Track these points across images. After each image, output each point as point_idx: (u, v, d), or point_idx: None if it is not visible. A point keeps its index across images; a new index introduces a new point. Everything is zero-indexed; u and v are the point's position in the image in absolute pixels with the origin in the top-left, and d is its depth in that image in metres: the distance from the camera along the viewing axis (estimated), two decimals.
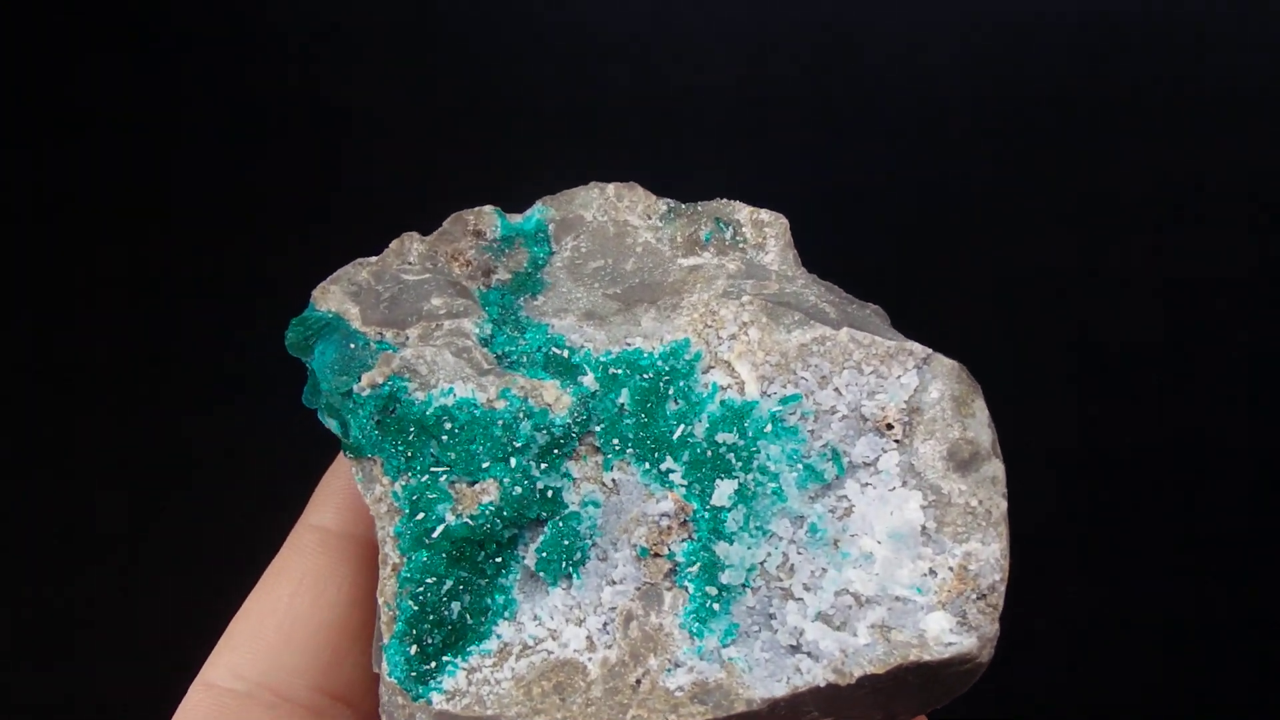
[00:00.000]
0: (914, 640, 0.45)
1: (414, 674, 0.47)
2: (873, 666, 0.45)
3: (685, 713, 0.45)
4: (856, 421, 0.48)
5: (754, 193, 0.55)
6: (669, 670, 0.46)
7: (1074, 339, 0.85)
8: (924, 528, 0.47)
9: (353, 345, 0.50)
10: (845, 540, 0.47)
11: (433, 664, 0.47)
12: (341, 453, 0.54)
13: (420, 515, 0.48)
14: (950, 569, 0.46)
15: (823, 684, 0.45)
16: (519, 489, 0.48)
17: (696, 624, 0.47)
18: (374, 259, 0.53)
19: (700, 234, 0.53)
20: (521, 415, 0.49)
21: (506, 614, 0.48)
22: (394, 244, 0.54)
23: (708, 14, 0.88)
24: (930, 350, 0.49)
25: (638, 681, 0.46)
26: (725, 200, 0.54)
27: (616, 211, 0.54)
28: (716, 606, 0.47)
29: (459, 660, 0.48)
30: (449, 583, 0.48)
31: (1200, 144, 0.85)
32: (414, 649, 0.47)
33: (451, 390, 0.49)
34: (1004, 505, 0.47)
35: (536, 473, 0.49)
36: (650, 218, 0.54)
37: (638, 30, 0.88)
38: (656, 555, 0.48)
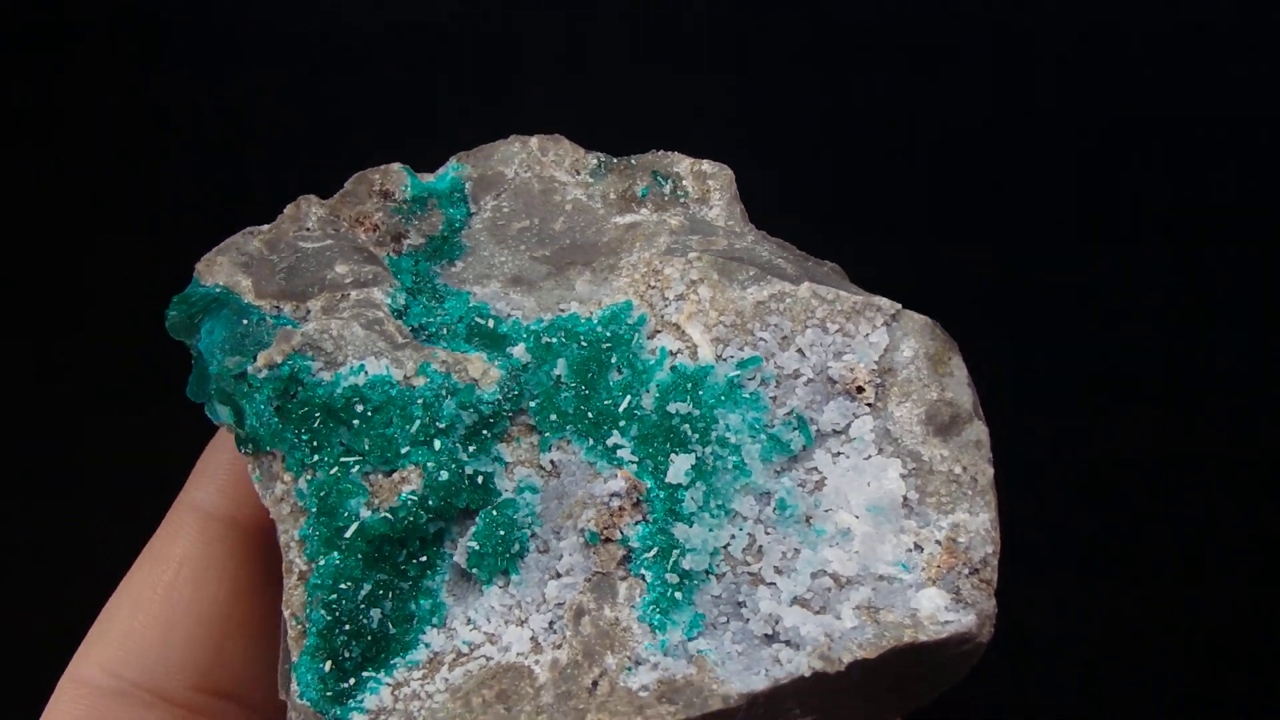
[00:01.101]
0: (906, 620, 0.41)
1: (329, 694, 0.42)
2: (863, 650, 0.40)
3: (653, 714, 0.40)
4: (823, 385, 0.44)
5: (693, 144, 0.50)
6: (630, 669, 0.41)
7: (1066, 323, 0.84)
8: (905, 499, 0.43)
9: (245, 322, 0.44)
10: (819, 516, 0.43)
11: (351, 681, 0.42)
12: (222, 431, 0.48)
13: (330, 514, 0.42)
14: (938, 543, 0.42)
15: (808, 673, 0.40)
16: (445, 474, 0.43)
17: (657, 616, 0.42)
18: (265, 227, 0.47)
19: (636, 189, 0.48)
20: (444, 392, 0.43)
21: (435, 620, 0.42)
22: (288, 209, 0.48)
23: None
24: (899, 305, 0.45)
25: (594, 683, 0.41)
26: (662, 152, 0.49)
27: (541, 167, 0.49)
28: (678, 595, 0.42)
29: (382, 675, 0.42)
30: (367, 587, 0.42)
31: (1199, 148, 0.85)
32: (328, 665, 0.42)
33: (363, 367, 0.43)
34: (990, 471, 0.43)
35: (464, 456, 0.43)
36: (579, 173, 0.49)
37: None
38: (608, 541, 0.43)
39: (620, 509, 0.43)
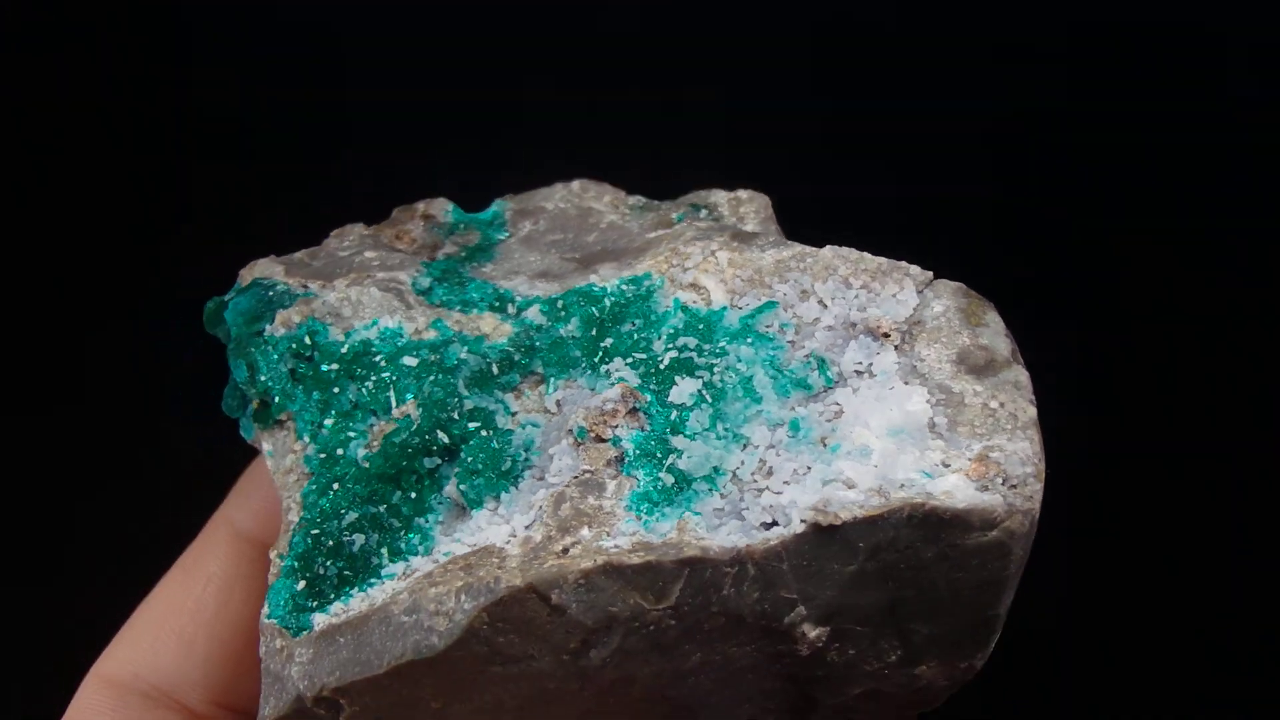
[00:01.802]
0: (918, 495, 0.37)
1: (296, 608, 0.41)
2: (863, 511, 0.37)
3: (618, 555, 0.37)
4: (845, 330, 0.42)
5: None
6: (607, 538, 0.38)
7: (1078, 336, 0.84)
8: (933, 423, 0.39)
9: (271, 293, 0.45)
10: (834, 438, 0.40)
11: (323, 598, 0.41)
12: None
13: (331, 464, 0.42)
14: (969, 459, 0.38)
15: (800, 528, 0.37)
16: (439, 392, 0.42)
17: (647, 505, 0.39)
18: (313, 248, 0.48)
19: (672, 216, 0.48)
20: (454, 342, 0.43)
21: (421, 550, 0.41)
22: (334, 233, 0.49)
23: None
24: (931, 274, 0.43)
25: (565, 550, 0.38)
26: (704, 191, 0.50)
27: (581, 200, 0.49)
28: (674, 495, 0.39)
29: (356, 591, 0.40)
30: (352, 515, 0.41)
31: (1196, 145, 0.85)
32: (301, 584, 0.41)
33: (375, 322, 0.44)
34: (1033, 411, 0.40)
35: (464, 391, 0.42)
36: (619, 208, 0.49)
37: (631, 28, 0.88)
38: (599, 440, 0.41)
39: (614, 410, 0.41)
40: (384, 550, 0.41)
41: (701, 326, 0.43)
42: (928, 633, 0.40)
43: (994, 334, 0.42)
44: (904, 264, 0.43)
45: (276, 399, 0.43)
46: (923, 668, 0.41)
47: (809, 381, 0.41)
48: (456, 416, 0.42)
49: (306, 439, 0.43)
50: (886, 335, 0.42)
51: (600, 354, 0.43)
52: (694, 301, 0.43)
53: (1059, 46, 0.86)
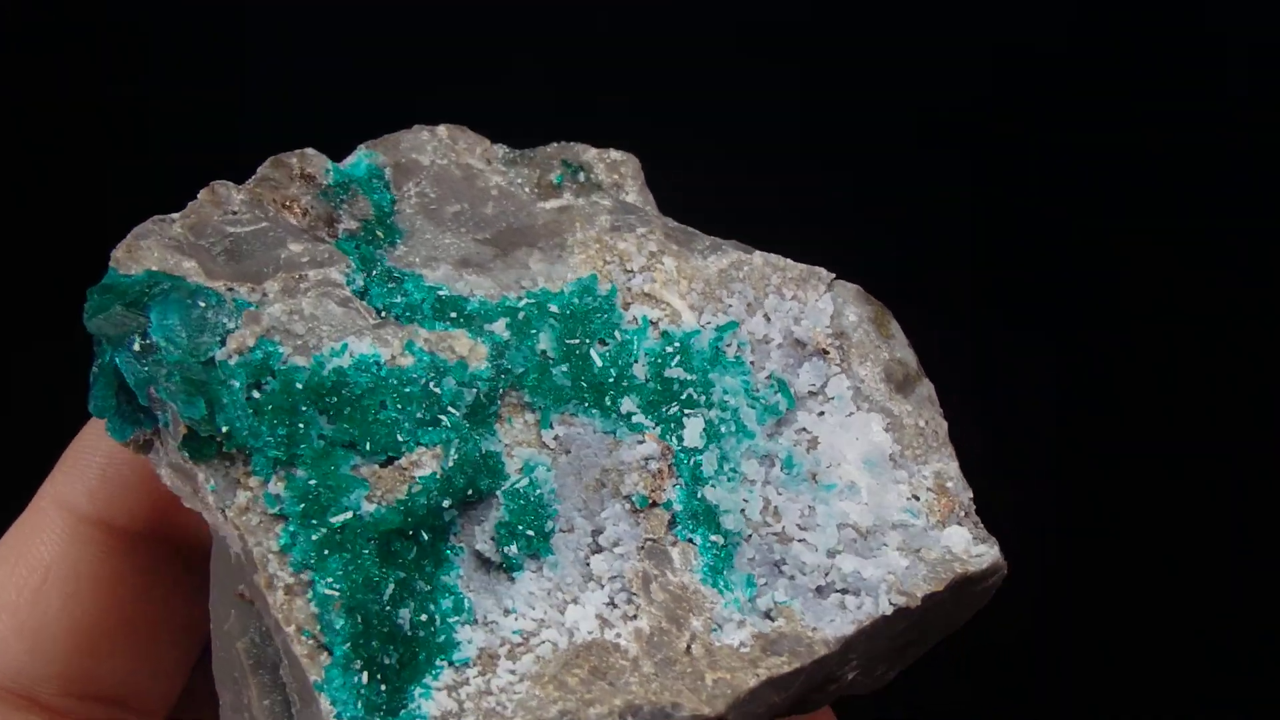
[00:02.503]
0: (948, 556, 0.41)
1: (376, 707, 0.36)
2: (930, 585, 0.40)
3: (766, 666, 0.38)
4: (793, 349, 0.43)
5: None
6: (716, 629, 0.39)
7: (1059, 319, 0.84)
8: (891, 454, 0.42)
9: (202, 304, 0.39)
10: (823, 472, 0.42)
11: (392, 690, 0.37)
12: (90, 426, 0.45)
13: (319, 514, 0.37)
14: (930, 490, 0.42)
15: (889, 611, 0.39)
16: (468, 447, 0.38)
17: (718, 578, 0.40)
18: (178, 214, 0.43)
19: (550, 178, 0.46)
20: (437, 372, 0.39)
21: (463, 616, 0.38)
22: (203, 193, 0.44)
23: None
24: (833, 274, 0.45)
25: (688, 647, 0.38)
26: (567, 143, 0.48)
27: (456, 155, 0.46)
28: (726, 557, 0.40)
29: (428, 680, 0.37)
30: (390, 587, 0.37)
31: (1195, 145, 0.85)
32: (365, 676, 0.36)
33: (345, 348, 0.39)
34: (945, 425, 0.43)
35: (474, 435, 0.39)
36: (491, 162, 0.46)
37: None
38: (654, 505, 0.40)
39: (659, 471, 0.41)
40: (429, 623, 0.38)
41: (681, 352, 0.42)
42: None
43: (902, 345, 0.44)
44: (815, 269, 0.44)
45: (238, 436, 0.38)
46: (881, 672, 0.44)
47: (778, 407, 0.42)
48: (480, 465, 0.39)
49: (267, 477, 0.38)
50: (826, 353, 0.43)
51: (598, 386, 0.41)
52: (659, 320, 0.43)
53: (1059, 46, 0.86)
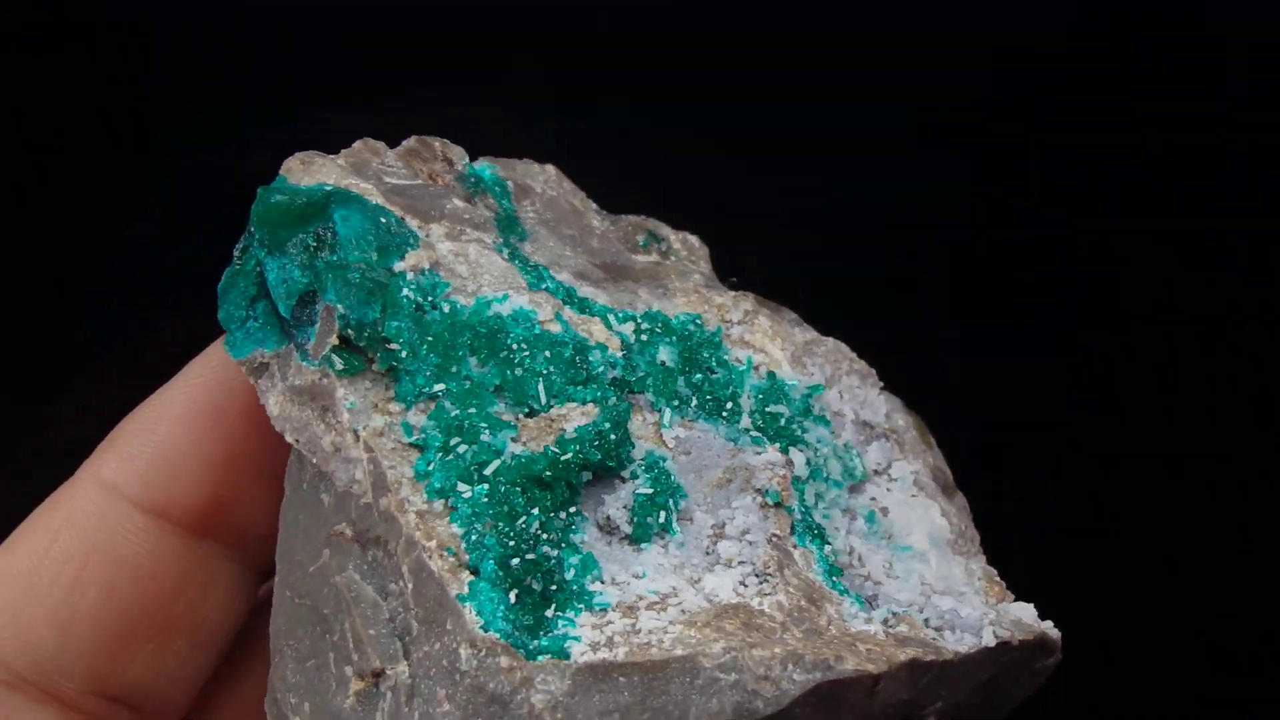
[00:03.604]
0: (1024, 619, 0.42)
1: (526, 627, 0.36)
2: (1022, 633, 0.41)
3: (909, 648, 0.38)
4: (862, 428, 0.45)
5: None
6: (847, 620, 0.39)
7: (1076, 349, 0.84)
8: (948, 539, 0.44)
9: (384, 220, 0.39)
10: (897, 535, 0.43)
11: (538, 618, 0.36)
12: (159, 398, 0.44)
13: (463, 448, 0.37)
14: (980, 578, 0.44)
15: (993, 644, 0.40)
16: (617, 410, 0.39)
17: (835, 583, 0.40)
18: (342, 154, 0.43)
19: (637, 239, 0.48)
20: (583, 345, 0.40)
21: (593, 574, 0.38)
22: (358, 144, 0.44)
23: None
24: (880, 383, 0.47)
25: (829, 623, 0.38)
26: (644, 217, 0.50)
27: (561, 192, 0.48)
28: (838, 572, 0.40)
29: (570, 614, 0.37)
30: (536, 520, 0.37)
31: (1196, 143, 0.85)
32: (513, 595, 0.36)
33: (507, 297, 0.40)
34: (978, 536, 0.46)
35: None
36: (587, 211, 0.49)
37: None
38: (781, 505, 0.40)
39: (784, 476, 0.41)
40: (564, 573, 0.37)
41: (781, 395, 0.43)
42: (982, 716, 0.45)
43: (939, 457, 0.47)
44: (869, 368, 0.47)
45: (397, 350, 0.38)
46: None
47: (855, 472, 0.44)
48: (624, 435, 0.39)
49: (409, 404, 0.38)
50: (890, 437, 0.46)
51: (715, 399, 0.42)
52: (764, 364, 0.44)
53: (1059, 46, 0.86)
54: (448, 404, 0.38)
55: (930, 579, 0.42)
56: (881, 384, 0.47)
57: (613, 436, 0.38)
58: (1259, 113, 0.84)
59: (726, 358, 0.43)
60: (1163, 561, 0.81)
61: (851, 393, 0.46)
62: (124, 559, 0.43)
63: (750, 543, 0.39)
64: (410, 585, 0.37)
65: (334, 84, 0.86)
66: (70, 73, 0.86)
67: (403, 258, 0.39)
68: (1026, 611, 0.43)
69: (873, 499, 0.44)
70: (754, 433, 0.41)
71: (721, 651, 0.35)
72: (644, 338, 0.42)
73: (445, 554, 0.37)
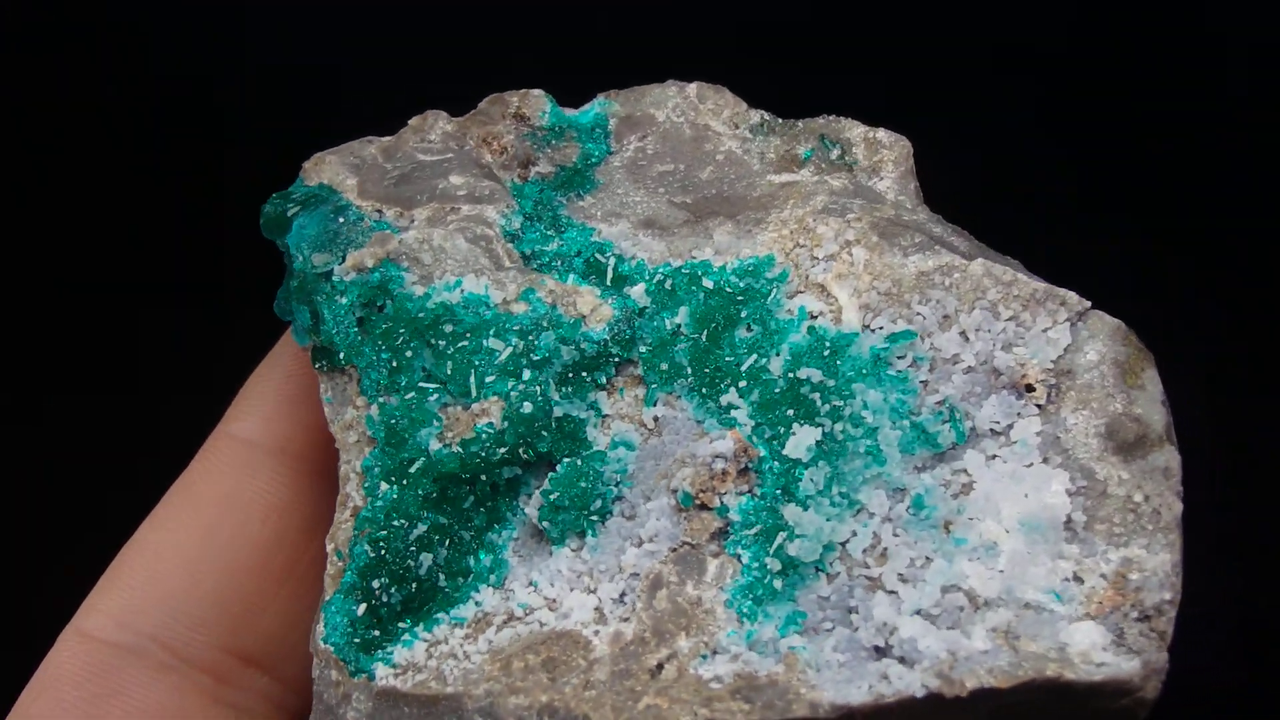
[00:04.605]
0: (1052, 653, 0.34)
1: (357, 640, 0.37)
2: (993, 678, 0.34)
3: (722, 709, 0.34)
4: (986, 376, 0.38)
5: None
6: (705, 656, 0.36)
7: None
8: (1069, 519, 0.37)
9: (341, 220, 0.40)
10: (960, 524, 0.36)
11: (384, 630, 0.37)
12: (272, 353, 0.45)
13: (397, 445, 0.37)
14: (1103, 576, 0.36)
15: (919, 693, 0.34)
16: (528, 406, 0.37)
17: (749, 604, 0.36)
18: (387, 137, 0.44)
19: (799, 151, 0.44)
20: (546, 324, 0.38)
21: (492, 579, 0.37)
22: (414, 120, 0.45)
23: None
24: (1089, 302, 0.39)
25: (659, 665, 0.35)
26: (834, 116, 0.45)
27: (697, 114, 0.45)
28: (778, 585, 0.36)
29: (420, 630, 0.37)
30: (421, 528, 0.37)
31: (1201, 139, 0.85)
32: (362, 609, 0.36)
33: (459, 283, 0.39)
34: (1179, 507, 0.38)
35: (555, 395, 0.38)
36: (738, 127, 0.45)
37: None
38: (703, 507, 0.37)
39: (724, 473, 0.37)
40: (455, 575, 0.37)
41: (828, 353, 0.38)
42: None
43: (1150, 400, 0.38)
44: (1060, 291, 0.39)
45: (341, 352, 0.38)
46: None
47: (939, 438, 0.37)
48: (545, 433, 0.38)
49: (371, 397, 0.38)
50: (1031, 389, 0.38)
51: (711, 372, 0.38)
52: (822, 315, 0.39)
53: (1059, 46, 0.86)
54: (393, 400, 0.38)
55: (975, 582, 0.35)
56: (1086, 305, 0.38)
57: (510, 437, 0.37)
58: (1259, 113, 0.84)
59: (777, 311, 0.39)
60: None
61: (987, 331, 0.38)
62: (253, 499, 0.43)
63: (651, 553, 0.37)
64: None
65: (334, 84, 0.86)
66: (70, 73, 0.86)
67: (341, 260, 0.39)
68: (1085, 638, 0.34)
69: (960, 470, 0.37)
70: (737, 411, 0.38)
71: (484, 695, 0.35)
72: (664, 298, 0.39)
73: (336, 557, 0.38)
